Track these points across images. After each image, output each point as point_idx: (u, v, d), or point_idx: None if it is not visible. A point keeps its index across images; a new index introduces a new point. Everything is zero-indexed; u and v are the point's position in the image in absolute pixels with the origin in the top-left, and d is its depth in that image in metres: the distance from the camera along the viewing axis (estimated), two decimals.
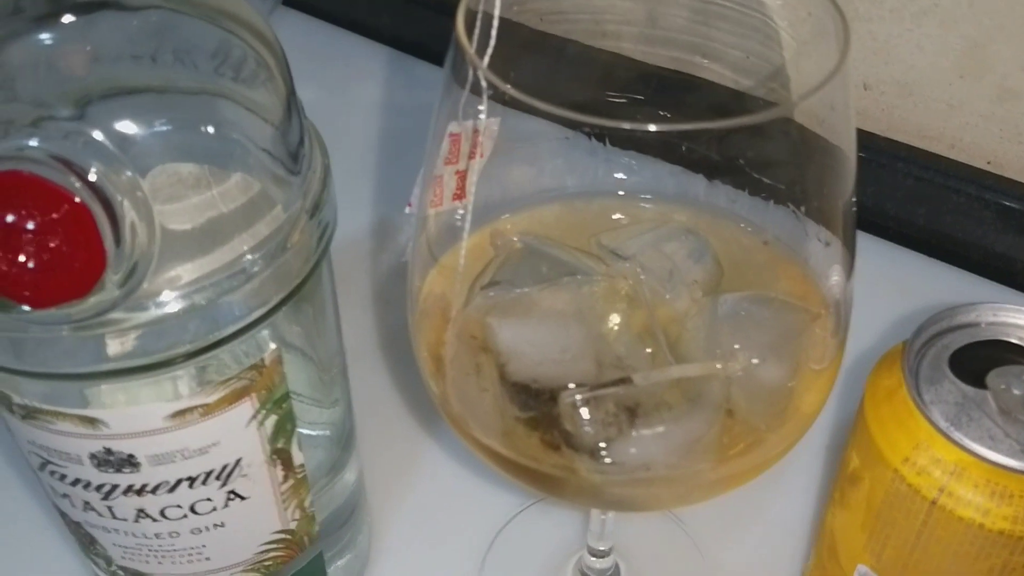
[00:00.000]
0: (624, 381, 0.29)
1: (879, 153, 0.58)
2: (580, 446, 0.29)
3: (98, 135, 0.26)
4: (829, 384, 0.31)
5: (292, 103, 0.30)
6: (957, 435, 0.30)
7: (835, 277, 0.32)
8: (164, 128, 0.27)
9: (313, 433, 0.36)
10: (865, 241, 0.52)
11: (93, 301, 0.26)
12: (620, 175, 0.38)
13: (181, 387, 0.29)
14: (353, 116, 0.67)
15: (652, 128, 0.25)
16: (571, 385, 0.30)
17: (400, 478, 0.47)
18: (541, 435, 0.30)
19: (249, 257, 0.29)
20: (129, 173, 0.26)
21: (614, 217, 0.37)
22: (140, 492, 0.32)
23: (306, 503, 0.36)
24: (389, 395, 0.51)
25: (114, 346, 0.27)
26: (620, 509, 0.39)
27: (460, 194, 0.32)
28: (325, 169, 0.32)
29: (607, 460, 0.29)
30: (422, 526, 0.46)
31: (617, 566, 0.42)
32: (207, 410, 0.30)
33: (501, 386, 0.31)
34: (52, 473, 0.32)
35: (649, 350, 0.31)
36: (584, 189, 0.38)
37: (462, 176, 0.32)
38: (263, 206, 0.29)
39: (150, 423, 0.30)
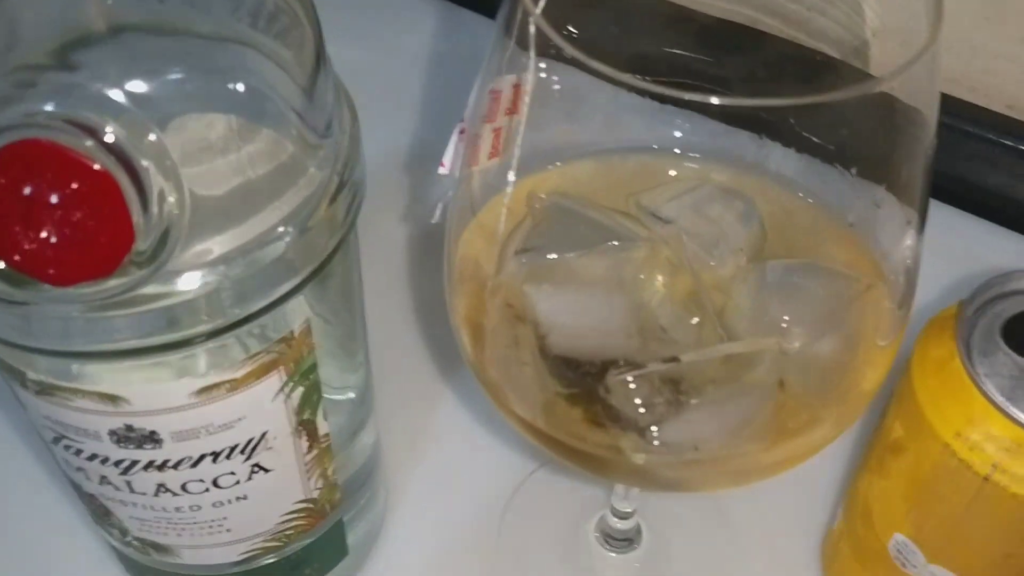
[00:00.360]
0: (673, 359, 0.28)
1: None
2: (628, 424, 0.28)
3: (117, 93, 0.24)
4: (889, 359, 0.30)
5: (321, 57, 0.28)
6: (1013, 410, 0.29)
7: (904, 241, 0.30)
8: (184, 76, 0.25)
9: (337, 398, 0.34)
10: None
11: (119, 278, 0.24)
12: (666, 131, 0.36)
13: (207, 363, 0.28)
14: (396, 71, 0.63)
15: (721, 102, 0.23)
16: (619, 361, 0.29)
17: (416, 438, 0.46)
18: (584, 411, 0.29)
19: (281, 228, 0.27)
20: (154, 136, 0.24)
21: (654, 175, 0.35)
22: (161, 468, 0.30)
23: (329, 471, 0.35)
24: (405, 354, 0.49)
25: (138, 323, 0.26)
26: (666, 490, 0.38)
27: (495, 152, 0.31)
28: (355, 133, 0.30)
29: (655, 440, 0.28)
30: (438, 486, 0.45)
31: (639, 527, 0.41)
32: (234, 385, 0.29)
33: (541, 359, 0.30)
34: (67, 447, 0.30)
35: (696, 320, 0.30)
36: (624, 144, 0.36)
37: (498, 134, 0.30)
38: (294, 172, 0.27)
39: (174, 400, 0.28)
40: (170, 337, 0.26)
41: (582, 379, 0.29)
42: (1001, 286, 0.32)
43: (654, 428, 0.28)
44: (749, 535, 0.42)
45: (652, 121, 0.35)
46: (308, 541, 0.37)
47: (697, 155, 0.35)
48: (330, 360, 0.33)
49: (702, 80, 0.32)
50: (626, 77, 0.25)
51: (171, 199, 0.24)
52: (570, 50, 0.25)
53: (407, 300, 0.51)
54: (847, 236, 0.33)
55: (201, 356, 0.28)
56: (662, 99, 0.25)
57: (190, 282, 0.26)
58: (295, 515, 0.35)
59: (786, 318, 0.30)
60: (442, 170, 0.31)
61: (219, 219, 0.26)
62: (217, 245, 0.25)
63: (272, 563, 0.36)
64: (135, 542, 0.35)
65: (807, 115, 0.27)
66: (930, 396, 0.31)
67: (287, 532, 0.35)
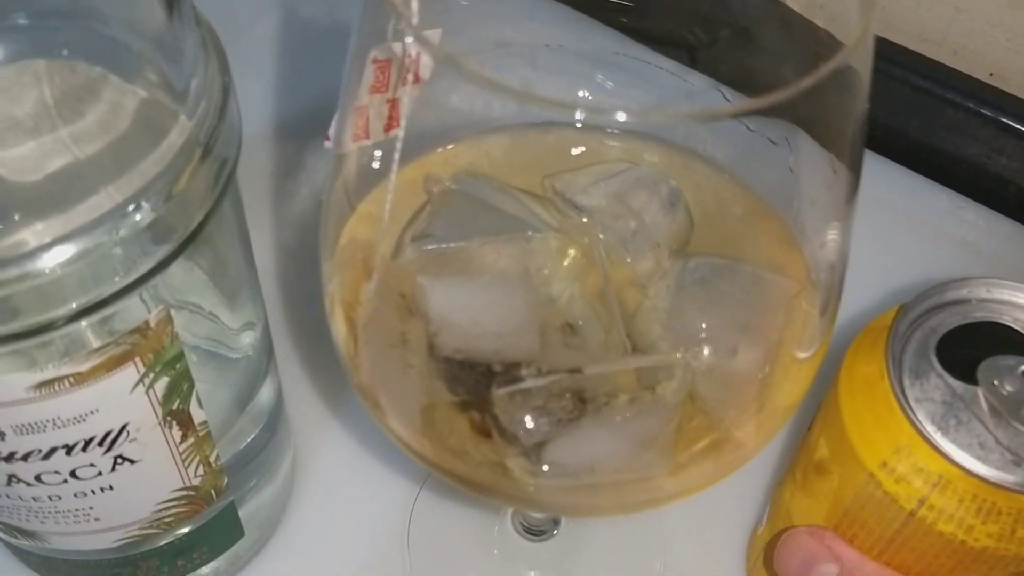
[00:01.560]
0: (573, 371, 0.25)
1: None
2: (515, 442, 0.25)
3: None
4: (811, 373, 0.27)
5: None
6: (943, 443, 0.26)
7: (830, 234, 0.27)
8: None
9: (223, 364, 0.31)
10: None
11: None
12: (586, 94, 0.33)
13: (45, 357, 0.25)
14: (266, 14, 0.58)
15: None
16: (517, 366, 0.26)
17: (326, 411, 0.44)
18: (471, 425, 0.26)
19: (130, 207, 0.23)
20: None
21: (573, 153, 0.32)
22: (8, 460, 0.28)
23: (211, 458, 0.32)
24: (312, 327, 0.46)
25: None
26: (560, 515, 0.35)
27: (393, 123, 0.27)
28: (224, 88, 0.26)
29: (545, 461, 0.25)
30: (350, 462, 0.42)
31: (558, 519, 0.39)
32: (79, 379, 0.26)
33: (429, 360, 0.27)
34: None
35: (602, 326, 0.27)
36: (540, 117, 0.32)
37: (395, 105, 0.27)
38: (141, 141, 0.24)
39: (10, 394, 0.25)
40: (4, 329, 0.23)
41: (473, 385, 0.26)
42: (939, 296, 0.29)
43: (545, 446, 0.25)
44: (675, 527, 0.40)
45: (578, 82, 0.32)
46: (194, 527, 0.34)
47: (623, 133, 0.32)
48: (214, 330, 0.30)
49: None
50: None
51: None
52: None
53: (303, 274, 0.48)
54: (780, 231, 0.29)
55: (39, 349, 0.25)
56: None
57: (12, 272, 0.22)
58: (174, 503, 0.32)
59: (702, 326, 0.27)
60: (327, 144, 0.27)
61: (47, 202, 0.22)
62: (39, 234, 0.22)
63: (155, 548, 0.34)
64: (1, 527, 0.32)
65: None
66: (856, 419, 0.28)
67: (166, 520, 0.33)
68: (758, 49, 0.29)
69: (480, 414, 0.26)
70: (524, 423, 0.25)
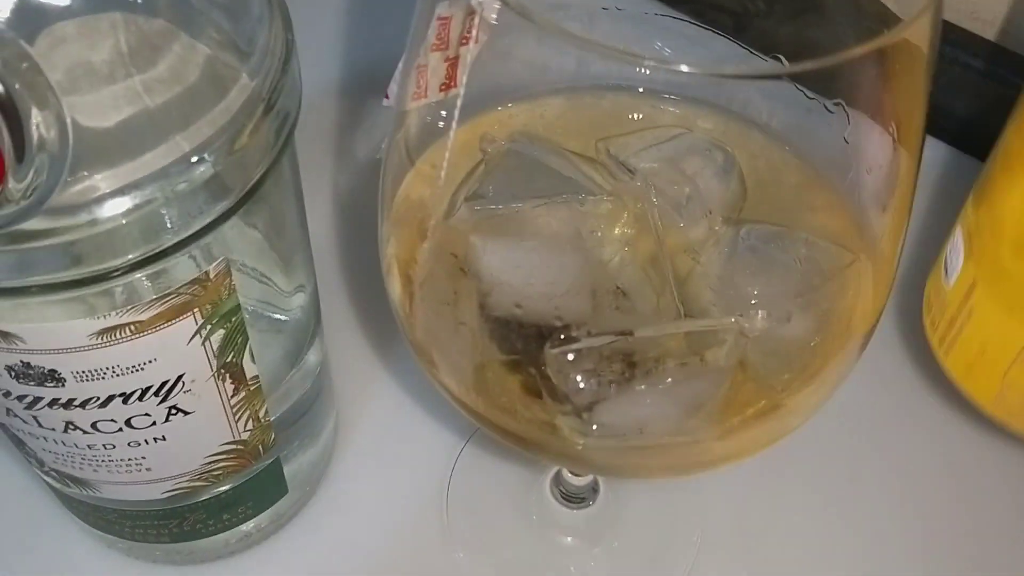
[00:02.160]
0: (623, 334, 0.25)
1: None
2: (566, 401, 0.26)
3: None
4: (861, 345, 0.27)
5: None
6: None
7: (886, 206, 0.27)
8: None
9: (276, 328, 0.32)
10: None
11: None
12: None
13: (108, 304, 0.25)
14: None
15: None
16: (561, 329, 0.26)
17: (370, 372, 0.44)
18: (522, 384, 0.26)
19: (192, 159, 0.24)
20: (29, 63, 0.21)
21: (628, 117, 0.32)
22: (67, 406, 0.28)
23: (260, 413, 0.33)
24: (359, 288, 0.47)
25: (28, 260, 0.23)
26: (607, 475, 0.35)
27: (450, 84, 0.27)
28: (287, 45, 0.27)
29: (594, 421, 0.25)
30: (393, 423, 0.43)
31: (597, 484, 0.39)
32: (140, 327, 0.26)
33: (481, 319, 0.27)
34: None
35: (654, 290, 0.27)
36: (598, 82, 0.32)
37: (453, 64, 0.27)
38: (206, 96, 0.24)
39: (72, 340, 0.26)
40: (65, 276, 0.24)
41: (524, 345, 0.27)
42: None
43: (595, 407, 0.26)
44: (713, 499, 0.40)
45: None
46: (240, 481, 0.35)
47: (679, 98, 0.32)
48: (265, 292, 0.30)
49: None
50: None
51: (52, 133, 0.21)
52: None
53: (356, 233, 0.48)
54: (835, 201, 0.29)
55: (101, 296, 0.25)
56: None
57: (80, 218, 0.23)
58: (223, 456, 0.33)
59: (755, 293, 0.27)
60: (386, 102, 0.28)
61: (115, 150, 0.23)
62: (109, 180, 0.23)
63: (202, 501, 0.35)
64: (53, 473, 0.33)
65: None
66: None
67: (215, 473, 0.33)
68: (821, 21, 0.29)
69: (531, 373, 0.26)
70: (575, 383, 0.25)
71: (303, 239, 0.33)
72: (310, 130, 0.50)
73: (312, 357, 0.36)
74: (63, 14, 0.22)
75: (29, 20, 0.21)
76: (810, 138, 0.30)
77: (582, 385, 0.25)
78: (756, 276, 0.27)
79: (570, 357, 0.25)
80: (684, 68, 0.20)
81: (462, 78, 0.27)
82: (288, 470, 0.37)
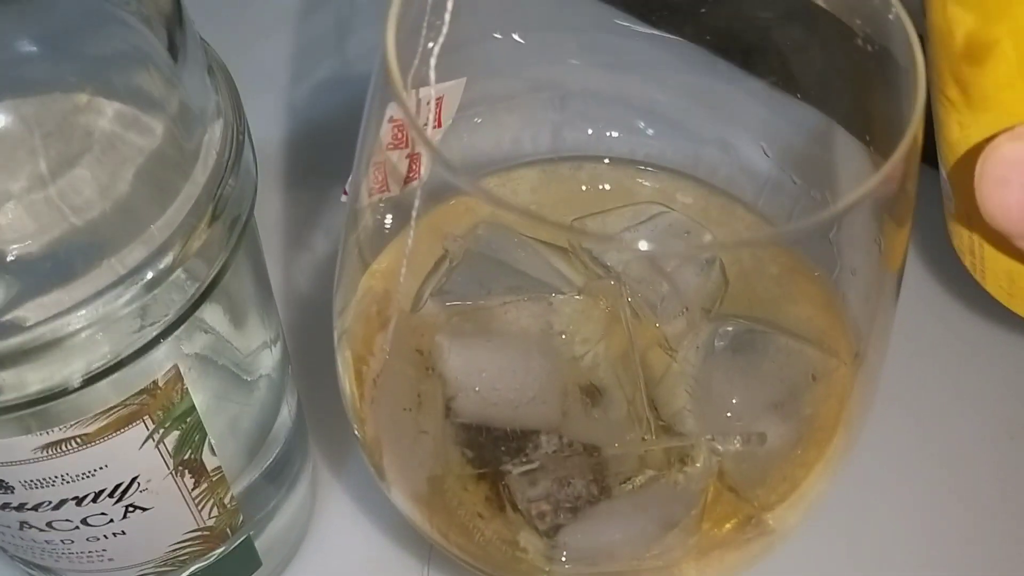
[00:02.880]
0: (591, 450, 0.24)
1: None
2: (530, 522, 0.24)
3: None
4: (846, 453, 0.25)
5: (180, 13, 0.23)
6: None
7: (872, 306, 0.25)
8: None
9: (239, 387, 0.30)
10: None
11: None
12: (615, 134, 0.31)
13: (51, 419, 0.24)
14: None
15: None
16: (526, 441, 0.25)
17: (347, 430, 0.43)
18: (485, 496, 0.25)
19: (139, 274, 0.22)
20: None
21: (605, 188, 0.30)
22: (19, 509, 0.27)
23: (226, 499, 0.32)
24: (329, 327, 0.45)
25: None
26: None
27: (412, 176, 0.26)
28: (238, 138, 0.25)
29: (561, 542, 0.24)
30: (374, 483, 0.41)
31: None
32: (87, 439, 0.25)
33: (445, 425, 0.26)
34: None
35: (626, 396, 0.26)
36: (570, 151, 0.31)
37: (416, 159, 0.25)
38: (150, 202, 0.23)
39: (17, 455, 0.25)
40: (3, 400, 0.23)
41: (490, 456, 0.25)
42: None
43: (560, 530, 0.24)
44: None
45: (607, 122, 0.30)
46: (209, 562, 0.34)
47: (658, 171, 0.30)
48: (229, 365, 0.29)
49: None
50: None
51: None
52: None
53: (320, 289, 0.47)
54: (818, 292, 0.28)
55: (40, 415, 0.24)
56: None
57: (25, 341, 0.22)
58: (188, 543, 0.32)
59: (731, 403, 0.25)
60: (344, 198, 0.26)
61: (39, 282, 0.22)
62: (38, 310, 0.21)
63: None
64: (18, 560, 0.32)
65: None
66: None
67: (181, 558, 0.32)
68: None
69: (494, 488, 0.25)
70: (539, 504, 0.24)
71: (266, 303, 0.31)
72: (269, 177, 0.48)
73: (283, 417, 0.35)
74: None
75: None
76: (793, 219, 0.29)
77: (546, 506, 0.24)
78: (732, 384, 0.26)
79: (534, 477, 0.24)
80: (644, 247, 0.18)
81: (423, 170, 0.25)
82: (260, 543, 0.36)
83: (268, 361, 0.32)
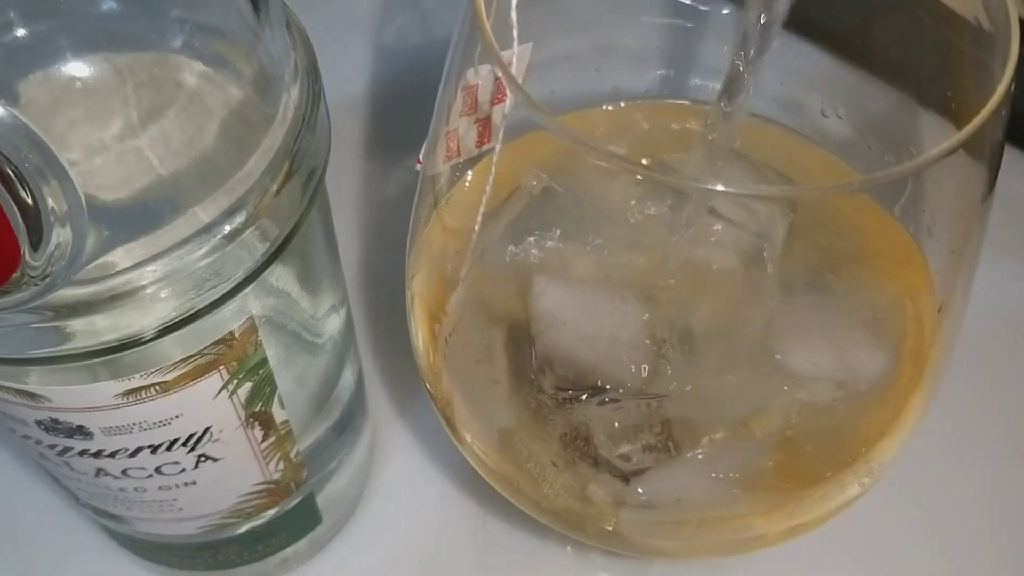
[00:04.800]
0: (669, 397, 0.24)
1: None
2: (606, 467, 0.25)
3: None
4: (920, 411, 0.25)
5: None
6: None
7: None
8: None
9: (306, 349, 0.31)
10: None
11: (14, 294, 0.21)
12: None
13: (133, 367, 0.25)
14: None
15: None
16: (610, 385, 0.25)
17: (406, 393, 0.44)
18: (560, 443, 0.25)
19: (215, 228, 0.23)
20: (42, 152, 0.20)
21: (686, 129, 0.30)
22: (97, 455, 0.28)
23: (291, 454, 0.32)
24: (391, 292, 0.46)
25: (51, 334, 0.23)
26: (640, 553, 0.34)
27: (482, 141, 0.26)
28: (314, 96, 0.26)
29: (636, 489, 0.25)
30: (430, 435, 0.42)
31: None
32: (165, 387, 0.26)
33: (524, 369, 0.26)
34: (1, 421, 0.28)
35: (709, 346, 0.26)
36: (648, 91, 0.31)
37: (484, 123, 0.26)
38: (228, 160, 0.23)
39: (98, 401, 0.25)
40: (86, 346, 0.23)
41: (574, 395, 0.26)
42: None
43: (637, 474, 0.25)
44: None
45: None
46: (273, 516, 0.34)
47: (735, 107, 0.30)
48: (296, 323, 0.30)
49: None
50: None
51: (65, 209, 0.20)
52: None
53: (384, 255, 0.47)
54: (900, 237, 0.28)
55: (125, 360, 0.25)
56: None
57: (103, 289, 0.22)
58: (255, 495, 0.33)
59: (811, 355, 0.25)
60: (418, 167, 0.27)
61: (135, 222, 0.22)
62: (127, 256, 0.22)
63: (236, 535, 0.34)
64: (88, 506, 0.33)
65: None
66: None
67: (247, 510, 0.33)
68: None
69: (569, 436, 0.25)
70: (620, 444, 0.24)
71: (334, 266, 0.32)
72: (342, 144, 0.49)
73: (346, 382, 0.35)
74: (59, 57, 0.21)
75: (25, 60, 0.20)
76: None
77: (628, 450, 0.24)
78: (812, 335, 0.26)
79: (617, 419, 0.24)
80: (731, 188, 0.18)
81: (498, 134, 0.26)
82: (322, 499, 0.37)
83: (335, 324, 0.32)
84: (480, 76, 0.23)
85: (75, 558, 0.39)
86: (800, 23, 0.27)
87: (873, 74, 0.28)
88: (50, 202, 0.20)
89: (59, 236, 0.20)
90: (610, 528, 0.25)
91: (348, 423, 0.37)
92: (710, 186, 0.20)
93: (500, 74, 0.21)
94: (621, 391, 0.25)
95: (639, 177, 0.26)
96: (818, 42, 0.29)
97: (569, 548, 0.39)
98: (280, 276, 0.27)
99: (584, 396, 0.25)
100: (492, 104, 0.24)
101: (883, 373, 0.26)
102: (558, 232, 0.28)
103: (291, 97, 0.25)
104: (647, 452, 0.25)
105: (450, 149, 0.25)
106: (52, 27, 0.20)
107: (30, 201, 0.20)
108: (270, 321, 0.27)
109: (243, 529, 0.34)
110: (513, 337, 0.27)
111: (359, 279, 0.46)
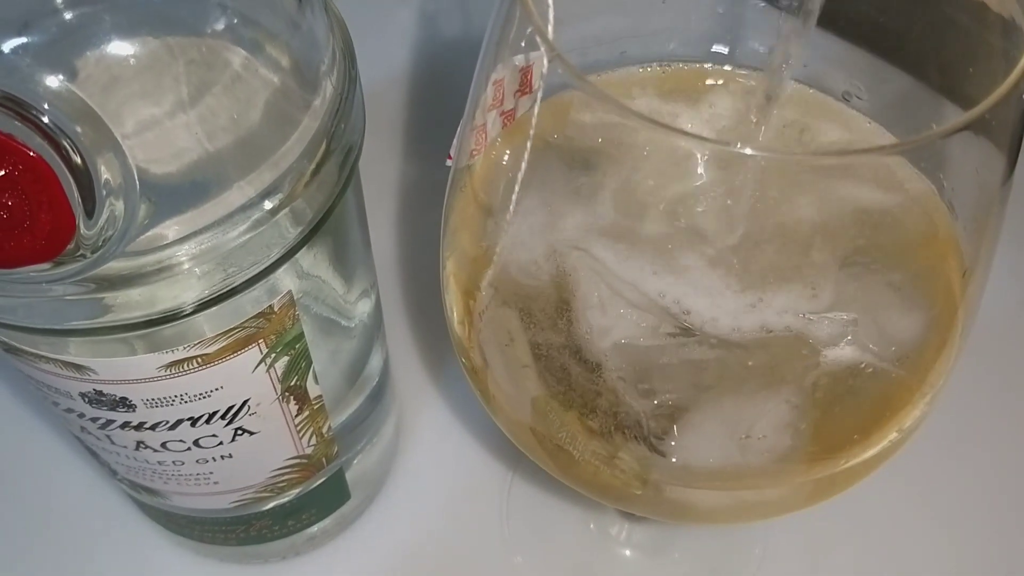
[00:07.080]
0: (711, 347, 0.25)
1: None
2: (642, 424, 0.25)
3: (53, 80, 0.20)
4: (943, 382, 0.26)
5: None
6: None
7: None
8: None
9: (337, 332, 0.32)
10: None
11: (68, 264, 0.22)
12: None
13: (176, 339, 0.26)
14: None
15: None
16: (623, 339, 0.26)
17: (430, 375, 0.44)
18: (582, 406, 0.26)
19: (257, 205, 0.24)
20: (96, 122, 0.21)
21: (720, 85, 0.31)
22: (138, 428, 0.29)
23: (323, 429, 0.33)
24: (417, 275, 0.47)
25: (90, 306, 0.23)
26: (665, 516, 0.35)
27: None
28: (350, 78, 0.27)
29: (669, 443, 0.25)
30: (454, 425, 0.43)
31: None
32: (206, 359, 0.27)
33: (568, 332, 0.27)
34: (44, 396, 0.29)
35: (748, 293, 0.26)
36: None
37: (509, 115, 0.26)
38: (270, 138, 0.24)
39: (142, 373, 0.26)
40: (131, 318, 0.24)
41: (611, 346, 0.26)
42: None
43: (667, 434, 0.25)
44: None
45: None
46: (304, 491, 0.35)
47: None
48: (329, 305, 0.30)
49: None
50: None
51: (118, 181, 0.21)
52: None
53: (411, 240, 0.48)
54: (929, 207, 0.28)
55: (169, 332, 0.26)
56: None
57: (148, 263, 0.23)
58: (287, 470, 0.33)
59: (850, 327, 0.26)
60: (449, 163, 0.27)
61: (181, 196, 0.23)
62: (176, 228, 0.23)
63: (267, 510, 0.35)
64: (125, 481, 0.34)
65: None
66: None
67: (279, 485, 0.34)
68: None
69: (601, 397, 0.26)
70: (653, 398, 0.25)
71: (366, 250, 0.33)
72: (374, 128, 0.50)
73: (374, 363, 0.36)
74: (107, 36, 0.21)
75: (74, 40, 0.21)
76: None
77: (656, 400, 0.25)
78: (856, 306, 0.26)
79: (656, 373, 0.25)
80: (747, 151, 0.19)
81: (536, 96, 0.26)
82: (350, 475, 0.37)
83: (366, 307, 0.33)
84: (506, 71, 0.24)
85: (110, 536, 0.40)
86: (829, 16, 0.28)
87: (894, 63, 0.29)
88: (104, 174, 0.21)
89: (112, 207, 0.21)
90: (641, 485, 0.25)
91: (377, 403, 0.37)
92: (741, 149, 0.20)
93: (539, 39, 0.22)
94: (655, 345, 0.26)
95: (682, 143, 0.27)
96: (845, 35, 0.29)
97: (592, 525, 0.40)
98: (315, 255, 0.28)
99: (623, 341, 0.26)
100: (517, 96, 0.25)
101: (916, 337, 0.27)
102: (593, 193, 0.28)
103: (330, 80, 0.26)
104: (677, 409, 0.25)
105: (478, 144, 0.25)
106: (107, 8, 0.21)
107: (85, 173, 0.21)
108: (303, 302, 0.28)
109: (274, 504, 0.35)
110: (545, 306, 0.28)
111: (387, 263, 0.47)
